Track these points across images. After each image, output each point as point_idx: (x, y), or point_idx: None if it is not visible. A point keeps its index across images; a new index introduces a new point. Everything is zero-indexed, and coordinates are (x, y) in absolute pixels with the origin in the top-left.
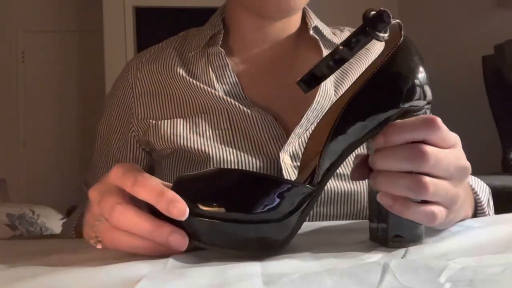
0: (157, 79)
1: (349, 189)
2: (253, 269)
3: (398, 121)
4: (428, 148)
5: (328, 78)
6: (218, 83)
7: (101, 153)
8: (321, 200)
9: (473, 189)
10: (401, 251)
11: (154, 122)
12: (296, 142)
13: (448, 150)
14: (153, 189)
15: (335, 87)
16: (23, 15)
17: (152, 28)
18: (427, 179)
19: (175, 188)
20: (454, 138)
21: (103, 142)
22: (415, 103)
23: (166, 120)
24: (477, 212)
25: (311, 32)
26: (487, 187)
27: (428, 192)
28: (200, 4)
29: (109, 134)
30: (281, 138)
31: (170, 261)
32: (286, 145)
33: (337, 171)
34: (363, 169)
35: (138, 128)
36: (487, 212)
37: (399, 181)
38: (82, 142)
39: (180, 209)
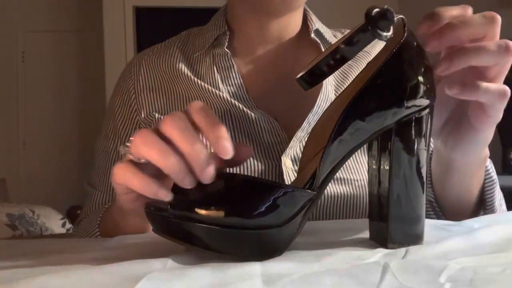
0: (160, 76)
1: (348, 193)
2: (253, 269)
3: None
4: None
5: (329, 82)
6: (223, 84)
7: (107, 152)
8: (321, 205)
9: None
10: (401, 251)
11: (158, 116)
12: (297, 146)
13: None
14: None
15: (335, 90)
16: (23, 15)
17: (152, 28)
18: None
19: (172, 193)
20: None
21: (108, 141)
22: (418, 101)
23: None
24: (485, 176)
25: (312, 35)
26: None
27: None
28: (200, 4)
29: (116, 132)
30: (283, 141)
31: (170, 261)
32: (288, 149)
33: (336, 175)
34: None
35: (145, 125)
36: (492, 175)
37: (489, 45)
38: (82, 142)
39: (228, 148)
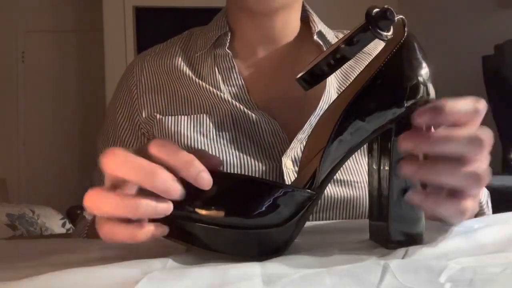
0: (162, 76)
1: (348, 195)
2: (253, 269)
3: (446, 101)
4: (483, 135)
5: (332, 84)
6: (224, 85)
7: None
8: (320, 206)
9: None
10: (401, 251)
11: (159, 117)
12: (298, 147)
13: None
14: (183, 156)
15: (337, 93)
16: (23, 15)
17: (152, 28)
18: (484, 170)
19: None
20: None
21: (109, 141)
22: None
23: (170, 117)
24: (478, 212)
25: (315, 37)
26: (486, 189)
27: (483, 184)
28: (200, 4)
29: (116, 132)
30: (284, 142)
31: (170, 261)
32: (288, 150)
33: (336, 177)
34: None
35: (145, 125)
36: (486, 213)
37: (461, 171)
38: (82, 142)
39: (208, 180)
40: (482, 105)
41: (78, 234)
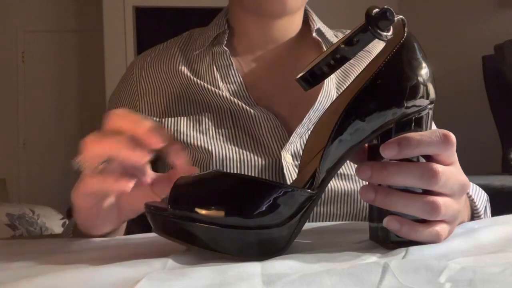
0: (161, 78)
1: (350, 189)
2: (253, 269)
3: (414, 133)
4: (439, 167)
5: (331, 79)
6: (223, 83)
7: None
8: (322, 200)
9: (470, 197)
10: (401, 251)
11: (158, 119)
12: (297, 141)
13: (452, 167)
14: (131, 118)
15: (337, 88)
16: (23, 15)
17: (152, 28)
18: (440, 200)
19: (172, 193)
20: (455, 153)
21: None
22: (418, 102)
23: (170, 118)
24: (474, 219)
25: (314, 34)
26: (485, 194)
27: (440, 213)
28: (200, 4)
29: None
30: (283, 137)
31: (170, 261)
32: (288, 144)
33: (339, 171)
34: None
35: None
36: (481, 213)
37: (414, 203)
38: None
39: (158, 139)
40: (450, 137)
41: (66, 234)
